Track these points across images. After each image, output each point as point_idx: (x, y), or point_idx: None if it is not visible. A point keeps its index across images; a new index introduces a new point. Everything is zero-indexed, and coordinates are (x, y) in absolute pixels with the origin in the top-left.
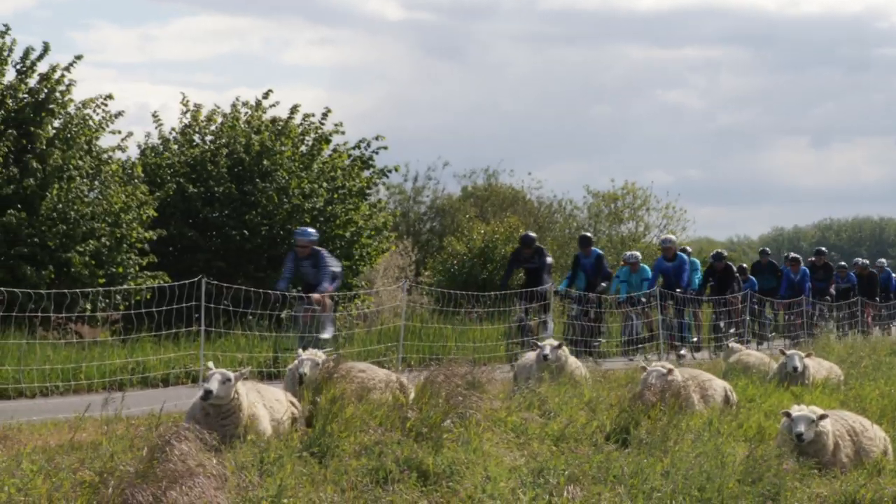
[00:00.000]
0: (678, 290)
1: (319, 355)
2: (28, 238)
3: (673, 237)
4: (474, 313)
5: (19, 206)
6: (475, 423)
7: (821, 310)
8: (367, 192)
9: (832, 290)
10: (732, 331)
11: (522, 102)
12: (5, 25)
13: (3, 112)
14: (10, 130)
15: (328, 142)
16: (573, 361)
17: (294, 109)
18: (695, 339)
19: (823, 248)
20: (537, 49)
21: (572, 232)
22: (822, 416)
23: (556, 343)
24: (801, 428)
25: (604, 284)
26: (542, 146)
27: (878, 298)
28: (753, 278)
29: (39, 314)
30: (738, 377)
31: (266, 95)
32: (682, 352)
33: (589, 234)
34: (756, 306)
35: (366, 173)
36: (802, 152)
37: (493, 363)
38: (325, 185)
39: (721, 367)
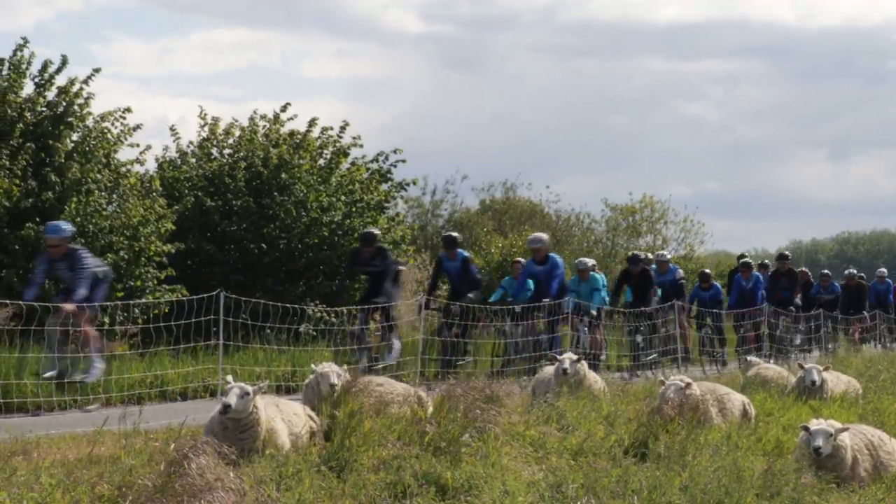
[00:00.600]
0: (545, 299)
1: (334, 367)
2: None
3: (544, 236)
4: (492, 327)
5: (38, 219)
6: (493, 437)
7: (786, 324)
8: (386, 205)
9: (798, 300)
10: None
11: (541, 115)
12: (24, 38)
13: (21, 125)
14: (28, 144)
15: (346, 155)
16: (592, 375)
17: (312, 122)
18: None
19: (787, 253)
20: (556, 61)
21: (590, 245)
22: (841, 430)
23: (574, 357)
24: (820, 442)
25: (471, 295)
26: (560, 159)
27: (865, 312)
28: (717, 284)
29: (58, 328)
30: (757, 391)
31: (284, 108)
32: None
33: (455, 234)
34: (706, 320)
35: (384, 186)
36: (820, 164)
37: (511, 377)
38: (343, 198)
39: (739, 380)
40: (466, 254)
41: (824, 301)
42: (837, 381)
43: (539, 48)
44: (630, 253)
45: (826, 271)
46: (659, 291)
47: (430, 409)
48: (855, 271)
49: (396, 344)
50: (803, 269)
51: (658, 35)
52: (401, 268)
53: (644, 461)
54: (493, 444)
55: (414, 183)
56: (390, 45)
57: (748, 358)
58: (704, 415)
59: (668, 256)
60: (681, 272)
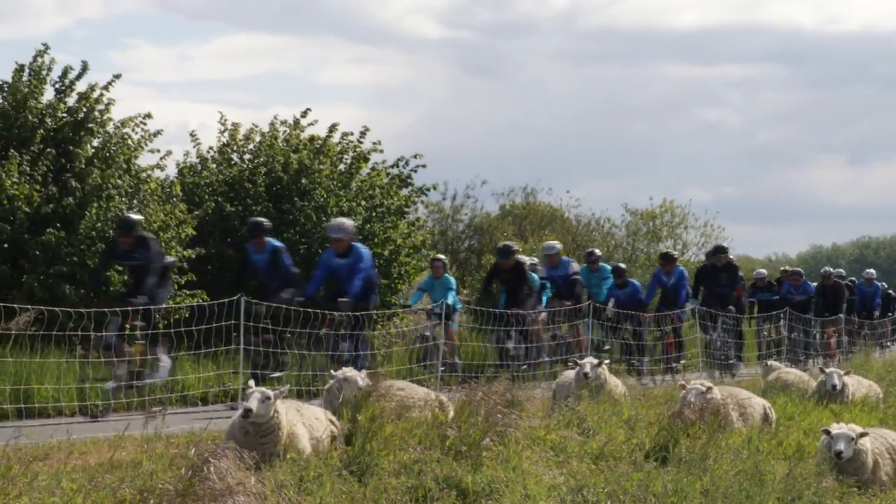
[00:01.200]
0: (343, 299)
1: (356, 372)
2: (67, 257)
3: (348, 223)
4: (512, 331)
5: (58, 224)
6: (514, 441)
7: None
8: (406, 210)
9: (743, 301)
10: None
11: (560, 120)
12: (44, 45)
13: (42, 131)
14: (48, 149)
15: (366, 160)
16: (612, 379)
17: (332, 128)
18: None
19: (724, 245)
20: (575, 67)
21: (610, 251)
22: (862, 434)
23: (595, 361)
24: (841, 446)
25: (284, 294)
26: (579, 164)
27: (842, 315)
28: (634, 281)
29: (79, 333)
30: (777, 395)
31: (304, 114)
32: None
33: (262, 220)
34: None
35: (404, 192)
36: (840, 169)
37: (532, 381)
38: (363, 203)
39: (760, 384)
40: (277, 244)
41: (795, 302)
42: (858, 386)
43: (558, 54)
44: (501, 244)
45: (798, 269)
46: (548, 288)
47: (451, 414)
48: (832, 270)
49: (164, 360)
50: (786, 267)
51: (677, 41)
52: (169, 260)
53: (665, 465)
54: (513, 448)
55: (434, 188)
56: (409, 51)
57: (768, 362)
58: (725, 419)
59: (559, 248)
60: (575, 266)
